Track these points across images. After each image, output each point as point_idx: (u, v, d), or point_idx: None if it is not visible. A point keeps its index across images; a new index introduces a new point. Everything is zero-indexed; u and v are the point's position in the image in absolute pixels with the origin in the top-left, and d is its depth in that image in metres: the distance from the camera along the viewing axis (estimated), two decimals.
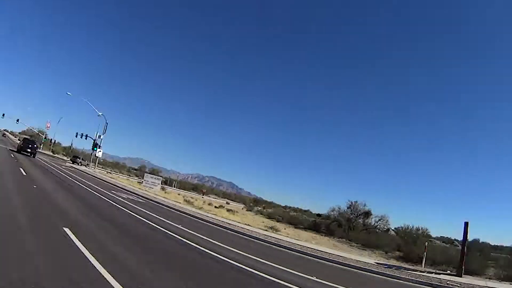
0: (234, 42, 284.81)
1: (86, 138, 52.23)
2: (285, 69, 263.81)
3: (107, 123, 47.22)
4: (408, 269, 14.38)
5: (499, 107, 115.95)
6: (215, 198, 76.74)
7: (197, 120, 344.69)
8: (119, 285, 4.62)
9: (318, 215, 53.88)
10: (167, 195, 34.86)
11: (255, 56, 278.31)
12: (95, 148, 46.47)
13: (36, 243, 5.89)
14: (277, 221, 36.19)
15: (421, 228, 29.25)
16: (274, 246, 14.46)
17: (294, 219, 41.06)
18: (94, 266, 5.24)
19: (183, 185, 74.80)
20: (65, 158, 68.38)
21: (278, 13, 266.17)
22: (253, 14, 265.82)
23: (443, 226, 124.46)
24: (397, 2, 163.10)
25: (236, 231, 16.36)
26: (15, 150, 38.24)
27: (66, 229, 7.40)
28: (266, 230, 20.94)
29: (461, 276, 13.37)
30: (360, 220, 34.35)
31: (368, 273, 12.08)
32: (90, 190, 19.20)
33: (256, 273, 7.84)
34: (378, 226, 33.68)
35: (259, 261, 9.58)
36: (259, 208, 55.52)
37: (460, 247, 17.13)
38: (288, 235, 21.59)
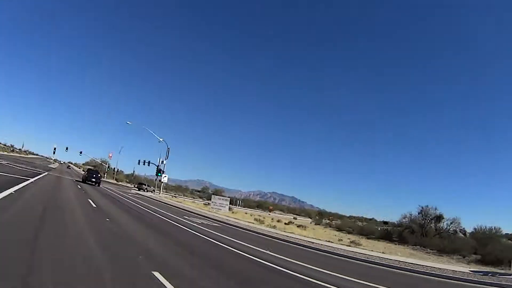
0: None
1: (148, 165, 53.67)
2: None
3: (168, 148, 47.91)
4: (505, 274, 13.94)
5: None
6: (281, 214, 74.22)
7: (255, 138, 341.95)
8: None
9: (385, 222, 54.54)
10: (237, 215, 34.01)
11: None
12: (159, 174, 47.21)
13: None
14: (348, 233, 36.35)
15: (494, 228, 27.78)
16: (372, 265, 13.22)
17: (364, 229, 39.73)
18: None
19: (247, 203, 73.75)
20: (128, 185, 71.27)
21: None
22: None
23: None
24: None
25: (324, 251, 15.35)
26: (80, 180, 39.49)
27: (156, 274, 5.53)
28: (349, 246, 19.81)
29: None
30: (431, 225, 33.10)
31: (469, 284, 11.37)
32: (164, 218, 17.82)
33: None
34: (450, 230, 32.31)
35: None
36: (327, 221, 54.75)
37: None
38: (375, 250, 20.10)
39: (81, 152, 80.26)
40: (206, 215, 25.71)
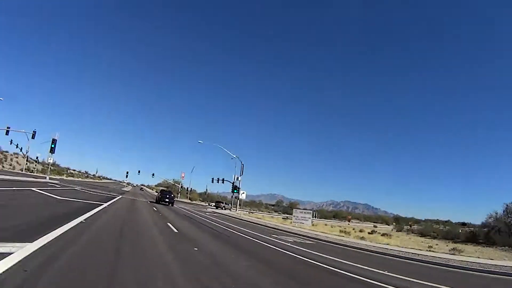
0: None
1: (223, 182, 53.06)
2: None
3: (243, 165, 46.78)
4: None
5: None
6: (358, 222, 67.86)
7: (322, 148, 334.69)
8: None
9: (463, 224, 53.35)
10: (320, 228, 31.01)
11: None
12: (235, 191, 46.29)
13: None
14: (433, 238, 35.62)
15: None
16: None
17: (448, 233, 37.91)
18: None
19: (322, 214, 69.32)
20: (203, 203, 71.55)
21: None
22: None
23: None
24: None
25: (435, 263, 13.37)
26: (154, 201, 39.45)
27: None
28: (453, 254, 17.69)
29: None
30: None
31: None
32: (252, 238, 14.93)
33: None
34: None
35: None
36: (407, 227, 53.59)
37: None
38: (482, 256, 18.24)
39: (153, 174, 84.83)
40: (292, 231, 22.94)
